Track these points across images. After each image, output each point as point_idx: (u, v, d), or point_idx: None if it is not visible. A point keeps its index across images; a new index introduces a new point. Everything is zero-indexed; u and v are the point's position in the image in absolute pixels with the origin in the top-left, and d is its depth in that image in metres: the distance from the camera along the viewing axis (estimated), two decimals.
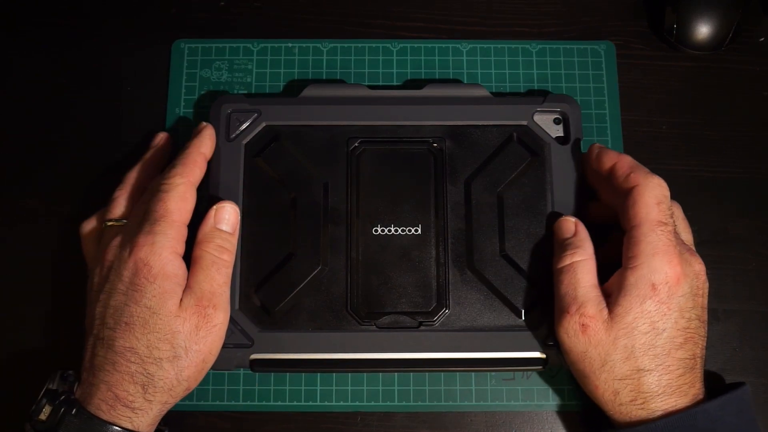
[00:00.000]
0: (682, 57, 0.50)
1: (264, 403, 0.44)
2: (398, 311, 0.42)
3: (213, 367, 0.41)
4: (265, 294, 0.42)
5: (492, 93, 0.46)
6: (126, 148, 0.48)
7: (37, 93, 0.49)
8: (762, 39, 0.51)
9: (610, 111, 0.49)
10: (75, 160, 0.48)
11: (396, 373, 0.44)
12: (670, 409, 0.37)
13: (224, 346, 0.41)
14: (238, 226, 0.41)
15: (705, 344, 0.39)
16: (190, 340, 0.38)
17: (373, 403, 0.44)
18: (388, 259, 0.43)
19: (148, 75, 0.49)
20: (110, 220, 0.42)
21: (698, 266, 0.39)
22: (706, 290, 0.39)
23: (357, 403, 0.44)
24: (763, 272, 0.46)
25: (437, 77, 0.49)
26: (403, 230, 0.43)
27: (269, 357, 0.42)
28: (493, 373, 0.44)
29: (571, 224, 0.41)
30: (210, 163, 0.44)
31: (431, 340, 0.42)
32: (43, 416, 0.36)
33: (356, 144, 0.44)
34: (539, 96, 0.46)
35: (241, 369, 0.43)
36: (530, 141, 0.44)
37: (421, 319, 0.42)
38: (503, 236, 0.43)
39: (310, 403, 0.44)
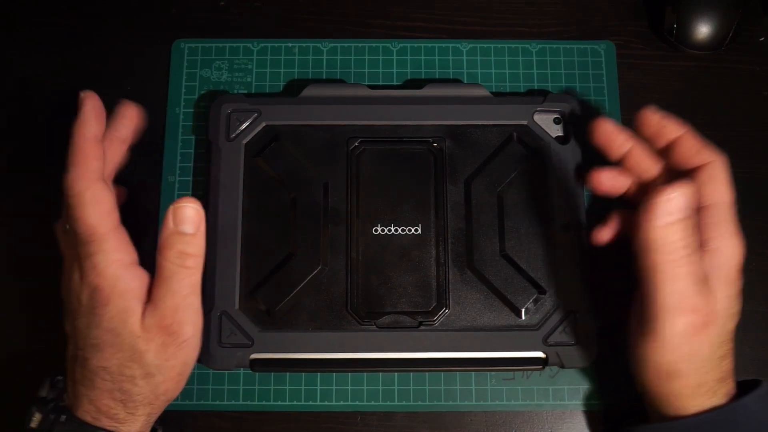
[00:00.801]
0: (682, 57, 0.50)
1: (264, 402, 0.44)
2: (398, 311, 0.42)
3: (213, 367, 0.41)
4: (265, 294, 0.42)
5: (492, 93, 0.46)
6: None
7: (37, 93, 0.49)
8: (762, 39, 0.51)
9: (610, 111, 0.49)
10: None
11: (396, 373, 0.44)
12: (705, 405, 0.36)
13: (224, 346, 0.41)
14: (202, 225, 0.36)
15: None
16: (160, 358, 0.36)
17: (373, 403, 0.44)
18: (388, 258, 0.43)
19: (148, 75, 0.49)
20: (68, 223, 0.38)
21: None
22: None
23: (357, 403, 0.44)
24: (763, 272, 0.46)
25: (437, 77, 0.49)
26: (403, 230, 0.43)
27: (269, 357, 0.42)
28: (493, 373, 0.44)
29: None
30: (210, 163, 0.44)
31: (431, 340, 0.42)
32: (33, 424, 0.36)
33: (356, 144, 0.44)
34: (539, 96, 0.46)
35: (241, 369, 0.43)
36: (530, 141, 0.45)
37: (421, 319, 0.42)
38: (503, 236, 0.43)
39: (310, 403, 0.44)
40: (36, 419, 0.36)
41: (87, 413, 0.36)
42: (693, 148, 0.38)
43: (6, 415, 0.43)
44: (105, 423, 0.36)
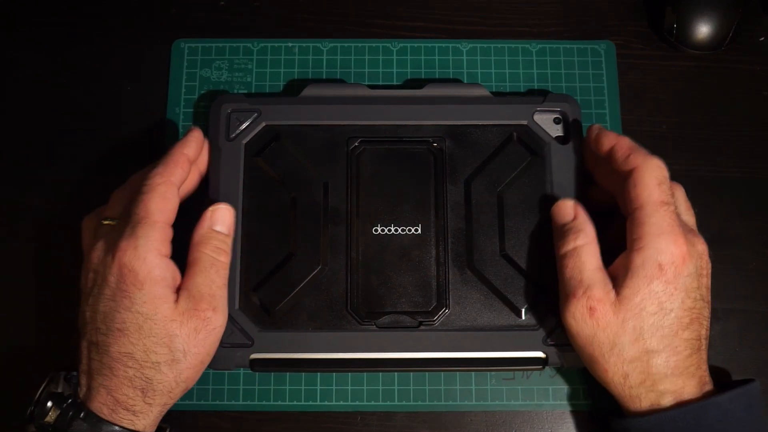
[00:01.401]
0: (682, 57, 0.50)
1: (264, 402, 0.44)
2: (398, 311, 0.42)
3: (213, 367, 0.41)
4: (265, 294, 0.42)
5: (492, 93, 0.46)
6: (126, 147, 0.48)
7: (37, 93, 0.49)
8: (762, 39, 0.51)
9: (610, 111, 0.49)
10: (75, 159, 0.48)
11: (396, 373, 0.44)
12: (679, 392, 0.37)
13: (224, 346, 0.41)
14: (233, 228, 0.41)
15: (709, 326, 0.39)
16: (189, 343, 0.37)
17: (373, 403, 0.44)
18: (388, 258, 0.43)
19: (148, 75, 0.50)
20: (106, 219, 0.41)
21: (701, 246, 0.39)
22: (709, 270, 0.39)
23: (357, 403, 0.44)
24: (763, 272, 0.46)
25: (437, 77, 0.49)
26: (403, 230, 0.43)
27: (269, 357, 0.42)
28: (492, 373, 0.44)
29: (569, 208, 0.41)
30: (210, 163, 0.44)
31: (431, 340, 0.42)
32: (50, 419, 0.36)
33: (356, 144, 0.44)
34: (539, 96, 0.46)
35: (241, 369, 0.43)
36: (530, 141, 0.44)
37: (421, 319, 0.42)
38: (503, 236, 0.43)
39: (310, 403, 0.44)
40: (53, 415, 0.36)
41: (103, 405, 0.36)
42: (621, 157, 0.40)
43: (8, 411, 0.43)
44: (122, 415, 0.36)
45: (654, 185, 0.38)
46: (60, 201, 0.47)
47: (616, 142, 0.40)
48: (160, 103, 0.49)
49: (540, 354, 0.41)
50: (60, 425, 0.36)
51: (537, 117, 0.45)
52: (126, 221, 0.38)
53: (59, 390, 0.38)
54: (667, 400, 0.37)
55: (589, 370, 0.40)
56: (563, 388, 0.44)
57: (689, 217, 0.41)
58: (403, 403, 0.44)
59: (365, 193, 0.44)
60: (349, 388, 0.44)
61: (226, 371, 0.44)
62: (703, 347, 0.38)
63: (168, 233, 0.39)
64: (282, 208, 0.43)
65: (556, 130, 0.45)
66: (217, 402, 0.44)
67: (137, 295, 0.37)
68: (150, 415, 0.37)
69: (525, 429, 0.44)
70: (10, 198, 0.47)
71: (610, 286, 0.38)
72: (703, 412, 0.36)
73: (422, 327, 0.42)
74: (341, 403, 0.44)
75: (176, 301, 0.37)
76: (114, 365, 0.37)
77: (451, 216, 0.43)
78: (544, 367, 0.42)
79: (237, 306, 0.42)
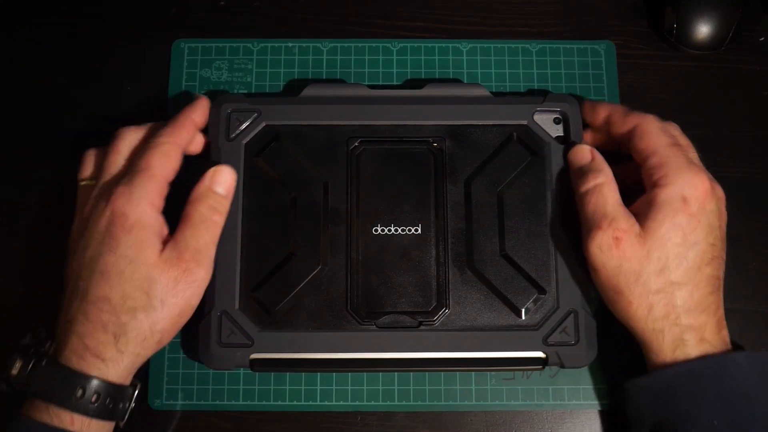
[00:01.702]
0: (682, 57, 0.50)
1: (264, 402, 0.44)
2: (398, 311, 0.42)
3: (213, 367, 0.41)
4: (265, 294, 0.42)
5: (492, 93, 0.46)
6: None
7: (37, 93, 0.49)
8: (762, 39, 0.51)
9: None
10: (75, 159, 0.48)
11: (396, 373, 0.44)
12: (701, 329, 0.38)
13: (224, 346, 0.41)
14: (232, 191, 0.42)
15: (724, 270, 0.40)
16: (168, 293, 0.38)
17: (373, 403, 0.44)
18: (388, 258, 0.43)
19: (148, 75, 0.50)
20: (83, 180, 0.42)
21: (720, 191, 0.40)
22: (725, 221, 0.40)
23: (357, 403, 0.44)
24: (763, 272, 0.46)
25: (437, 77, 0.49)
26: (403, 230, 0.43)
27: (269, 357, 0.42)
28: (493, 373, 0.44)
29: (586, 151, 0.42)
30: (209, 164, 0.44)
31: (431, 340, 0.42)
32: (14, 371, 0.36)
33: (356, 144, 0.44)
34: (539, 96, 0.46)
35: (241, 369, 0.43)
36: (530, 141, 0.44)
37: (421, 319, 0.42)
38: (503, 236, 0.43)
39: (310, 403, 0.44)
40: (17, 366, 0.36)
41: (73, 353, 0.36)
42: (619, 119, 0.42)
43: None
44: (90, 362, 0.36)
45: (660, 132, 0.40)
46: (60, 201, 0.47)
47: (611, 108, 0.43)
48: (160, 103, 0.49)
49: (540, 354, 0.41)
50: (22, 374, 0.36)
51: (537, 117, 0.45)
52: (124, 173, 0.39)
53: (25, 342, 0.38)
54: (688, 337, 0.38)
55: (611, 308, 0.40)
56: (563, 388, 0.44)
57: (694, 154, 0.42)
58: (403, 403, 0.44)
59: (365, 193, 0.44)
60: (349, 388, 0.44)
61: (226, 371, 0.44)
62: (721, 289, 0.39)
63: (164, 188, 0.39)
64: (282, 208, 0.43)
65: (556, 130, 0.45)
66: (217, 402, 0.44)
67: (124, 238, 0.37)
68: (120, 364, 0.37)
69: (525, 429, 0.44)
70: (10, 198, 0.47)
71: (633, 219, 0.39)
72: (725, 366, 0.37)
73: (422, 327, 0.42)
74: (341, 403, 0.44)
75: (161, 250, 0.38)
76: (89, 309, 0.37)
77: (451, 216, 0.43)
78: (544, 367, 0.42)
79: (237, 306, 0.42)
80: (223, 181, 0.41)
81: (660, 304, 0.38)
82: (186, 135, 0.42)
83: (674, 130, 0.42)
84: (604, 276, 0.39)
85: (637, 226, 0.38)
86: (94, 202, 0.39)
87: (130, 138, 0.42)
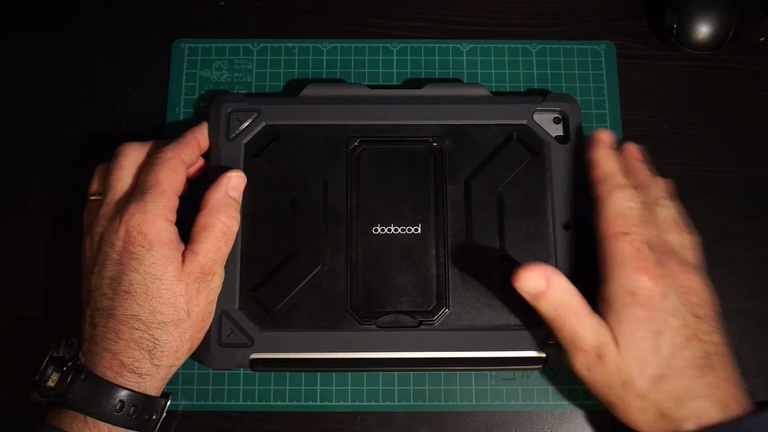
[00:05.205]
0: (682, 57, 0.50)
1: (264, 402, 0.44)
2: (398, 310, 0.42)
3: (213, 367, 0.41)
4: (265, 293, 0.42)
5: (492, 93, 0.46)
6: None
7: (37, 93, 0.49)
8: (762, 39, 0.51)
9: (610, 111, 0.49)
10: (75, 159, 0.48)
11: (396, 373, 0.44)
12: (699, 417, 0.36)
13: (224, 346, 0.41)
14: (241, 195, 0.42)
15: (721, 341, 0.38)
16: (191, 302, 0.38)
17: (373, 403, 0.44)
18: (388, 258, 0.43)
19: (148, 75, 0.50)
20: (92, 195, 0.42)
21: (675, 267, 0.38)
22: (700, 289, 0.38)
23: (357, 403, 0.44)
24: (763, 272, 0.46)
25: (437, 77, 0.49)
26: (403, 230, 0.43)
27: (269, 356, 0.41)
28: (493, 373, 0.44)
29: (539, 278, 0.38)
30: (210, 163, 0.44)
31: (431, 340, 0.42)
32: (51, 383, 0.37)
33: (356, 143, 0.44)
34: (539, 95, 0.46)
35: (241, 369, 0.43)
36: (530, 140, 0.44)
37: (421, 319, 0.42)
38: (503, 235, 0.43)
39: (310, 403, 0.44)
40: (54, 378, 0.37)
41: (108, 369, 0.36)
42: (594, 179, 0.41)
43: (9, 386, 0.44)
44: (127, 378, 0.37)
45: (612, 218, 0.39)
46: (60, 201, 0.47)
47: (594, 158, 0.41)
48: (160, 104, 0.49)
49: (540, 354, 0.41)
50: (60, 388, 0.36)
51: (537, 117, 0.45)
52: (134, 190, 0.40)
53: (59, 354, 0.38)
54: (687, 426, 0.36)
55: (616, 418, 0.38)
56: (563, 388, 0.44)
57: (676, 237, 0.40)
58: (403, 403, 0.44)
59: (365, 193, 0.44)
60: (349, 388, 0.44)
61: (226, 371, 0.44)
62: (718, 365, 0.37)
63: (175, 202, 0.40)
64: (282, 208, 0.43)
65: (556, 130, 0.45)
66: (217, 402, 0.44)
67: (146, 255, 0.38)
68: (156, 377, 0.38)
69: (525, 429, 0.44)
70: (10, 198, 0.47)
71: (607, 328, 0.37)
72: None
73: (422, 327, 0.42)
74: (341, 403, 0.44)
75: (182, 262, 0.39)
76: (120, 328, 0.37)
77: (451, 216, 0.43)
78: (544, 367, 0.42)
79: (237, 306, 0.42)
80: (238, 186, 0.42)
81: (651, 404, 0.36)
82: (191, 153, 0.42)
83: (666, 209, 0.40)
84: (596, 391, 0.38)
85: (610, 334, 0.37)
86: (106, 221, 0.39)
87: (133, 154, 0.42)
